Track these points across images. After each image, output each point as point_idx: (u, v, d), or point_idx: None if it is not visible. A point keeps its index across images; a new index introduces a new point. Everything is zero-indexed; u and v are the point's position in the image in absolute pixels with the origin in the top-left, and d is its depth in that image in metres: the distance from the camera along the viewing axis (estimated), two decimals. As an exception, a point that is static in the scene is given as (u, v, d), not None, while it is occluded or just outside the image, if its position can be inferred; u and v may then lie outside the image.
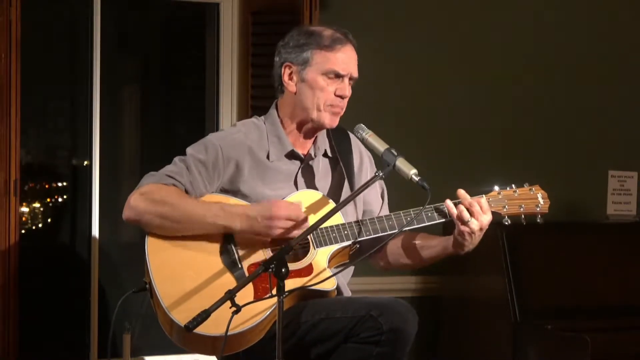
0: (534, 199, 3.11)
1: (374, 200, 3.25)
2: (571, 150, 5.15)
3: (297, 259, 3.00)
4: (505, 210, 3.08)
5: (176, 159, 3.08)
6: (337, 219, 3.05)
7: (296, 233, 2.95)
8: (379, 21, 4.79)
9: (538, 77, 5.11)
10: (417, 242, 3.15)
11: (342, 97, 3.08)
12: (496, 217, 3.08)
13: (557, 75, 5.14)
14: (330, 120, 3.10)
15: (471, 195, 3.02)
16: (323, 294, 2.98)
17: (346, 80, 3.09)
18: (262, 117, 3.21)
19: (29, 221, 4.92)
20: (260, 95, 4.53)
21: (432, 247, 3.13)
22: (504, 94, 5.05)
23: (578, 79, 5.17)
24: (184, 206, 2.96)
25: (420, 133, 4.85)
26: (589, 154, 5.18)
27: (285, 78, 3.11)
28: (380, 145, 3.02)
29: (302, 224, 2.97)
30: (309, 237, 3.00)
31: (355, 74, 3.11)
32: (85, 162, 4.74)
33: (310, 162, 3.17)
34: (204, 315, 2.64)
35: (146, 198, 2.98)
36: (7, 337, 4.08)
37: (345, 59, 3.08)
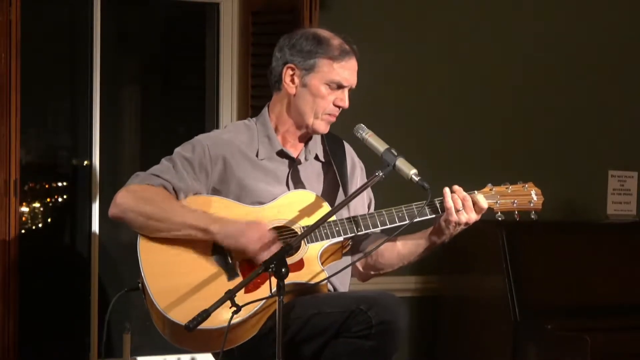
0: (527, 195, 3.13)
1: (359, 208, 3.25)
2: (571, 150, 5.16)
3: (288, 255, 3.01)
4: (497, 205, 3.10)
5: (163, 159, 3.11)
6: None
7: (265, 255, 2.92)
8: (379, 21, 4.79)
9: (538, 77, 5.11)
10: (395, 239, 3.19)
11: (339, 107, 3.12)
12: (489, 212, 3.09)
13: (557, 75, 5.14)
14: (325, 128, 3.15)
15: (465, 191, 3.05)
16: (314, 288, 2.99)
17: (346, 91, 3.13)
18: (254, 119, 3.24)
19: (29, 221, 4.92)
20: (260, 95, 4.52)
21: (409, 238, 3.17)
22: (503, 94, 5.05)
23: (578, 79, 5.18)
24: (166, 207, 2.98)
25: (420, 133, 4.85)
26: (589, 154, 5.18)
27: (287, 79, 3.13)
28: (380, 145, 3.03)
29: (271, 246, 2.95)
30: (298, 232, 3.01)
31: (355, 85, 3.15)
32: (85, 162, 4.74)
33: (300, 165, 3.18)
34: (204, 315, 2.64)
35: (132, 197, 3.01)
36: (7, 337, 4.08)
37: (350, 71, 3.12)
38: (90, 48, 4.60)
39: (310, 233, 2.93)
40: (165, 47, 5.26)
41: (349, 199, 2.99)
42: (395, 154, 2.99)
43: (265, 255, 2.88)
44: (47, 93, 4.95)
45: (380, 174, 2.97)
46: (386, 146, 3.02)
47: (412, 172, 2.95)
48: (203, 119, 4.90)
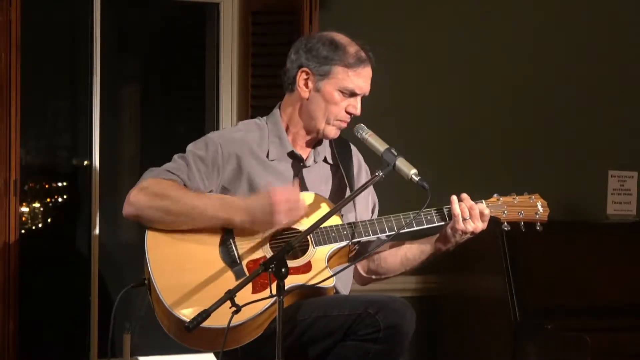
0: (533, 207, 3.15)
1: (363, 212, 3.25)
2: (571, 150, 5.15)
3: (295, 256, 3.01)
4: (504, 215, 3.12)
5: (175, 156, 3.10)
6: (337, 220, 3.06)
7: (297, 214, 2.95)
8: (379, 21, 4.79)
9: (538, 77, 5.11)
10: (399, 245, 3.19)
11: (351, 114, 3.12)
12: (496, 222, 3.10)
13: (557, 75, 5.14)
14: (335, 134, 3.15)
15: (471, 199, 3.06)
16: (321, 291, 2.99)
17: (359, 98, 3.13)
18: (265, 118, 3.23)
19: (29, 221, 4.92)
20: (260, 95, 4.53)
21: (414, 245, 3.17)
22: (504, 94, 5.05)
23: (578, 79, 5.18)
24: (184, 199, 2.97)
25: (421, 133, 4.84)
26: (589, 154, 5.18)
27: (300, 82, 3.13)
28: (380, 145, 3.04)
29: (301, 206, 2.97)
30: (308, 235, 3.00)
31: (368, 92, 3.15)
32: (85, 162, 4.74)
33: (308, 167, 3.18)
34: (204, 316, 2.64)
35: (146, 193, 2.99)
36: (7, 337, 4.08)
37: (364, 79, 3.12)
38: (90, 48, 4.59)
39: (309, 234, 2.93)
40: (165, 47, 5.25)
41: (349, 199, 3.00)
42: (395, 153, 2.99)
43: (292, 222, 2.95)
44: (47, 93, 4.95)
45: (380, 174, 2.97)
46: (386, 146, 3.03)
47: (412, 172, 2.96)
48: (203, 119, 4.89)
